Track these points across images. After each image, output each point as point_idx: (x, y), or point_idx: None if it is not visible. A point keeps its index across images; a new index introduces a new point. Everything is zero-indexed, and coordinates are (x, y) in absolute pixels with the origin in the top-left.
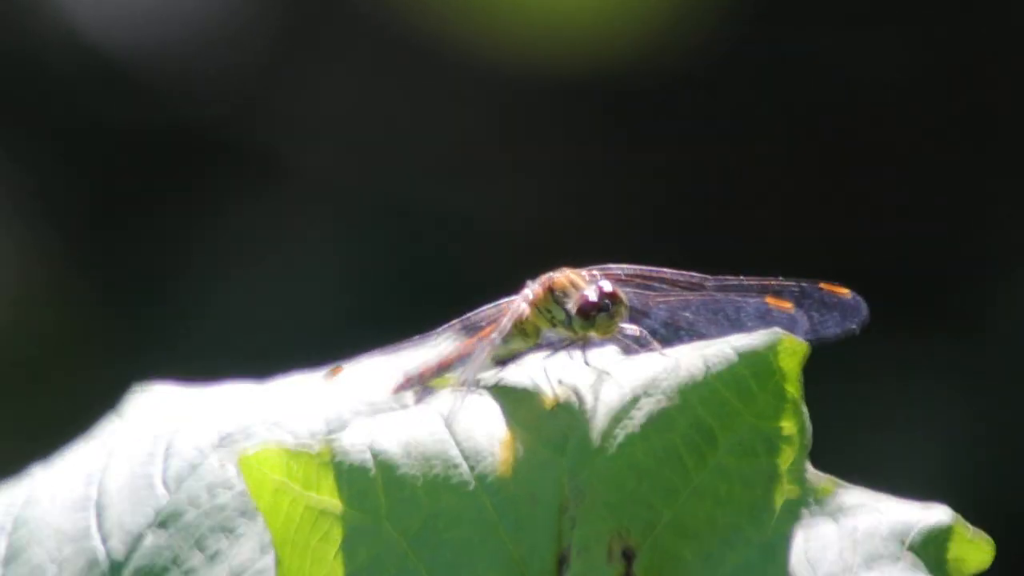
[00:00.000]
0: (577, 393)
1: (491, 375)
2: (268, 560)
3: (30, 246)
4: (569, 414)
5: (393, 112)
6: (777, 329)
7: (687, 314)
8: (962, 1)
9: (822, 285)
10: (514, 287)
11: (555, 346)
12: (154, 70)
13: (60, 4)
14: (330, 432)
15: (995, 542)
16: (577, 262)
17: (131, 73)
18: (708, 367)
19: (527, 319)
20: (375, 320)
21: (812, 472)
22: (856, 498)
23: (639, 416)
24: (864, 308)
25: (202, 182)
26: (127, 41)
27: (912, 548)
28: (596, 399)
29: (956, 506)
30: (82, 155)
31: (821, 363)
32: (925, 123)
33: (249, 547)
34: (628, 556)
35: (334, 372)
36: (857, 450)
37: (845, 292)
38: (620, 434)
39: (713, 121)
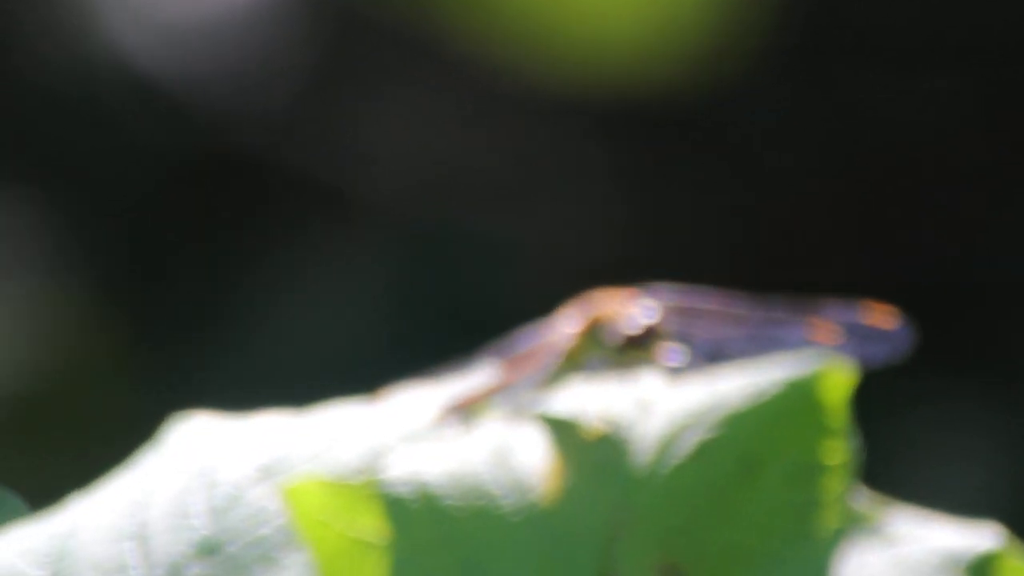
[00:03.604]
0: (621, 423)
1: (534, 405)
2: None
3: (70, 274)
4: (613, 444)
5: (441, 140)
6: (823, 357)
7: (731, 342)
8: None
9: (869, 313)
10: (556, 314)
11: (598, 375)
12: (200, 98)
13: (108, 30)
14: (373, 463)
15: None
16: (620, 287)
17: (178, 101)
18: (753, 397)
19: (570, 348)
20: (418, 349)
21: (860, 499)
22: (905, 525)
23: (684, 446)
24: (911, 336)
25: (243, 210)
26: (175, 68)
27: (964, 573)
28: (640, 429)
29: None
30: (124, 183)
31: (864, 390)
32: (975, 157)
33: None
34: None
35: (376, 401)
36: (900, 475)
37: (892, 320)
38: (666, 465)
39: (759, 148)
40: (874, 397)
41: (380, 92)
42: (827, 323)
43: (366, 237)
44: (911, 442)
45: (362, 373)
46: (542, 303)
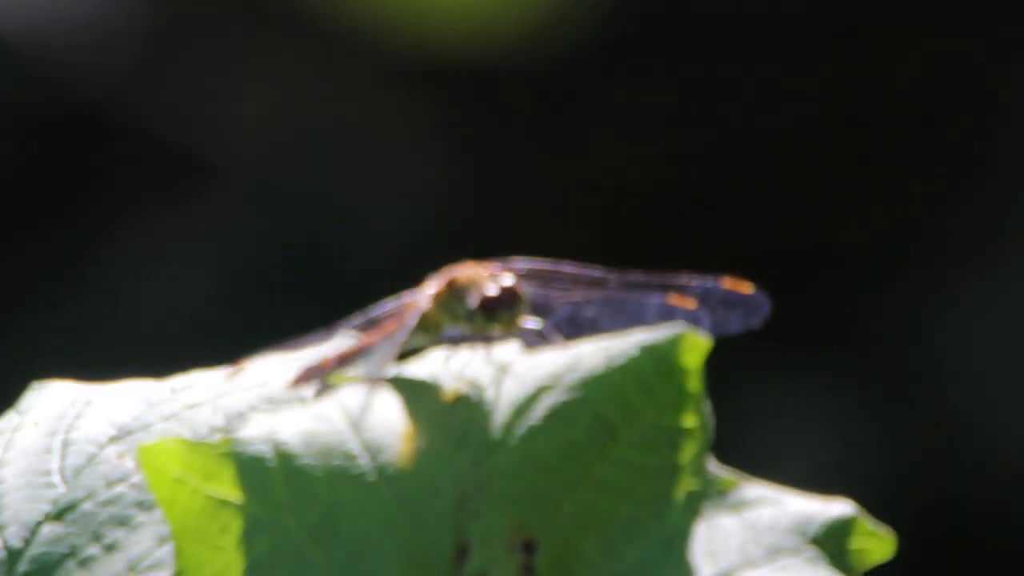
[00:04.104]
0: (478, 387)
1: (391, 369)
2: (165, 551)
3: None
4: (470, 408)
5: (292, 103)
6: (679, 324)
7: (589, 310)
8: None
9: (725, 282)
10: (416, 281)
11: (456, 341)
12: (49, 57)
13: None
14: (229, 425)
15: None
16: (480, 256)
17: (26, 60)
18: (610, 362)
19: (429, 314)
20: (272, 314)
21: (714, 466)
22: (758, 492)
23: (540, 410)
24: (766, 305)
25: (95, 173)
26: (24, 26)
27: (814, 540)
28: (497, 393)
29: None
30: None
31: (720, 359)
32: (832, 139)
33: (146, 538)
34: (529, 548)
35: (234, 368)
36: (753, 447)
37: (748, 289)
38: (521, 428)
39: (621, 107)
40: (727, 366)
41: (231, 55)
42: (684, 290)
43: (219, 201)
44: (763, 412)
45: (215, 341)
46: (401, 268)
